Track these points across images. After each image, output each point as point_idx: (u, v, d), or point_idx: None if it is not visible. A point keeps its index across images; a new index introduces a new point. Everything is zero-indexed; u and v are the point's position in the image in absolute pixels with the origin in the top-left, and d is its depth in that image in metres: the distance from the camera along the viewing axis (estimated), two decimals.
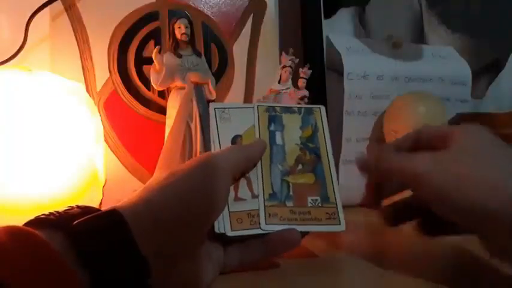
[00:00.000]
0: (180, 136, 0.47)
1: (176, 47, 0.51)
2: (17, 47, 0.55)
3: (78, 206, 0.30)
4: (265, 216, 0.36)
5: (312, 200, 0.38)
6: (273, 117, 0.41)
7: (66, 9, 0.59)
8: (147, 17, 0.61)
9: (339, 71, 0.68)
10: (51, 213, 0.28)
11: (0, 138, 0.43)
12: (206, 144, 0.47)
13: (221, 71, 0.64)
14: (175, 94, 0.51)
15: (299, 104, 0.51)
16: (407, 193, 0.37)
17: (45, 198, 0.43)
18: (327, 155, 0.41)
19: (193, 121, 0.49)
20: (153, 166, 0.42)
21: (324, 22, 0.71)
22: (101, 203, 0.49)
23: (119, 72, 0.59)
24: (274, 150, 0.40)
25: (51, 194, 0.44)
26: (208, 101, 0.51)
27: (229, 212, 0.36)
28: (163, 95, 0.58)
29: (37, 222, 0.27)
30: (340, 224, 0.38)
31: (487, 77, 0.85)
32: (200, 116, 0.48)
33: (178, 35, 0.51)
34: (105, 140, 0.55)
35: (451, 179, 0.31)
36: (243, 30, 0.66)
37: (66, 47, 0.59)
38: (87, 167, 0.47)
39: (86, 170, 0.47)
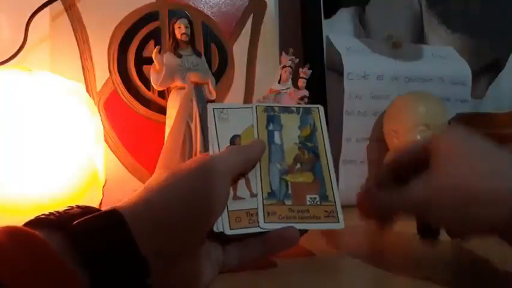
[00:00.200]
0: (180, 136, 0.47)
1: (176, 47, 0.51)
2: (17, 47, 0.55)
3: (78, 206, 0.30)
4: (263, 215, 0.36)
5: (311, 198, 0.38)
6: (272, 117, 0.41)
7: (66, 9, 0.59)
8: (147, 17, 0.61)
9: (339, 71, 0.68)
10: (51, 213, 0.28)
11: (0, 138, 0.43)
12: (206, 144, 0.47)
13: (221, 71, 0.64)
14: (175, 94, 0.51)
15: (299, 104, 0.51)
16: None
17: (45, 198, 0.43)
18: (326, 154, 0.41)
19: (193, 121, 0.49)
20: (153, 166, 0.42)
21: (324, 22, 0.71)
22: (101, 203, 0.49)
23: (119, 72, 0.59)
24: (272, 149, 0.40)
25: (51, 194, 0.44)
26: (208, 101, 0.51)
27: (228, 211, 0.36)
28: (163, 95, 0.58)
29: (37, 222, 0.27)
30: (338, 222, 0.38)
31: (487, 77, 0.85)
32: (200, 116, 0.48)
33: (178, 35, 0.51)
34: (105, 140, 0.55)
35: (457, 195, 0.32)
36: (243, 30, 0.66)
37: (66, 47, 0.59)
38: (87, 167, 0.47)
39: (86, 170, 0.47)
